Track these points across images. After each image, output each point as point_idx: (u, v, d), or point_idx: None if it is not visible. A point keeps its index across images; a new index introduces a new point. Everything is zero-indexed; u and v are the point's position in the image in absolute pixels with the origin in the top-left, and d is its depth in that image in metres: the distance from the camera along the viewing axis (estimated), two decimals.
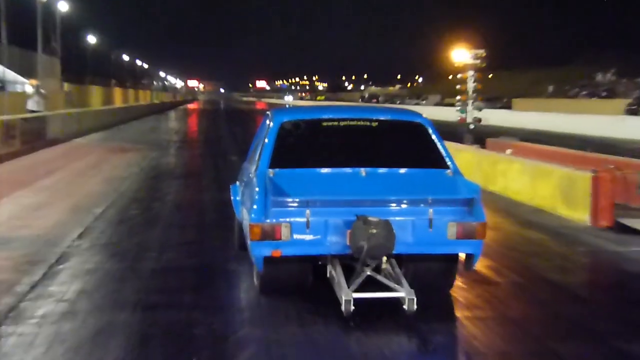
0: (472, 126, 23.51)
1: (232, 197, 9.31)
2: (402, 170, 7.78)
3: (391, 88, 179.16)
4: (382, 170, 7.73)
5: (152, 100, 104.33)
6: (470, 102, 23.41)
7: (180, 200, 14.64)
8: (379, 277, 7.02)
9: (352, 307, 6.65)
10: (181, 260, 9.44)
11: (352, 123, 8.14)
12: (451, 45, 23.36)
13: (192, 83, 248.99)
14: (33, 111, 29.57)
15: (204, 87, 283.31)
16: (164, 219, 12.44)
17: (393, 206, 7.09)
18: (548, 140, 31.45)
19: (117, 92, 76.70)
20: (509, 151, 18.46)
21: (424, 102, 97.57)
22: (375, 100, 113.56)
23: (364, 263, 6.90)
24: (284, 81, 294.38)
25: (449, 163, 7.82)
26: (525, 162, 15.02)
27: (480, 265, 8.97)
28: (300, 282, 7.57)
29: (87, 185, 16.12)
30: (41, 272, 8.63)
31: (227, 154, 25.25)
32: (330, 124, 8.10)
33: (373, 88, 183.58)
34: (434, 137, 8.00)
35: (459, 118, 23.91)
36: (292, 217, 6.91)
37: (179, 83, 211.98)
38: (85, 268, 8.90)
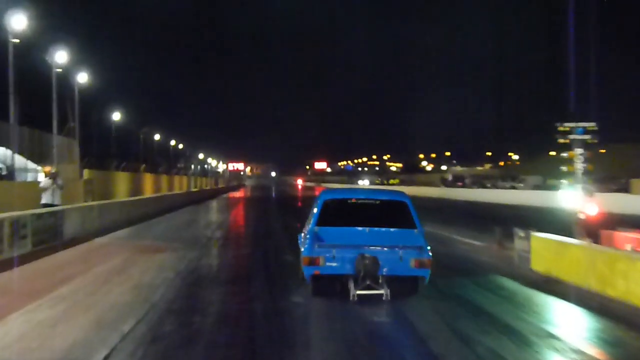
0: (581, 216, 23.23)
1: (298, 242, 17.90)
2: (391, 229, 16.33)
3: (480, 168, 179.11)
4: (377, 229, 16.33)
5: (190, 187, 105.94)
6: (578, 185, 23.18)
7: (225, 312, 14.72)
8: (371, 284, 15.38)
9: (357, 298, 15.25)
10: None
11: (364, 201, 17.27)
12: (555, 116, 23.32)
13: (238, 166, 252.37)
14: (47, 204, 29.67)
15: (251, 170, 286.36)
16: (206, 337, 12.52)
17: (379, 248, 15.43)
18: None
19: (148, 179, 78.04)
20: (629, 246, 18.20)
21: (521, 184, 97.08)
22: (460, 183, 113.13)
23: (363, 278, 15.27)
24: (349, 162, 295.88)
25: (416, 225, 16.32)
26: None
27: None
28: (332, 288, 15.98)
29: (112, 295, 16.28)
30: None
31: (280, 253, 25.31)
32: (352, 201, 17.22)
33: (458, 168, 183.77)
34: (411, 210, 16.55)
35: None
36: (325, 253, 15.38)
37: (221, 166, 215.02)
38: None
